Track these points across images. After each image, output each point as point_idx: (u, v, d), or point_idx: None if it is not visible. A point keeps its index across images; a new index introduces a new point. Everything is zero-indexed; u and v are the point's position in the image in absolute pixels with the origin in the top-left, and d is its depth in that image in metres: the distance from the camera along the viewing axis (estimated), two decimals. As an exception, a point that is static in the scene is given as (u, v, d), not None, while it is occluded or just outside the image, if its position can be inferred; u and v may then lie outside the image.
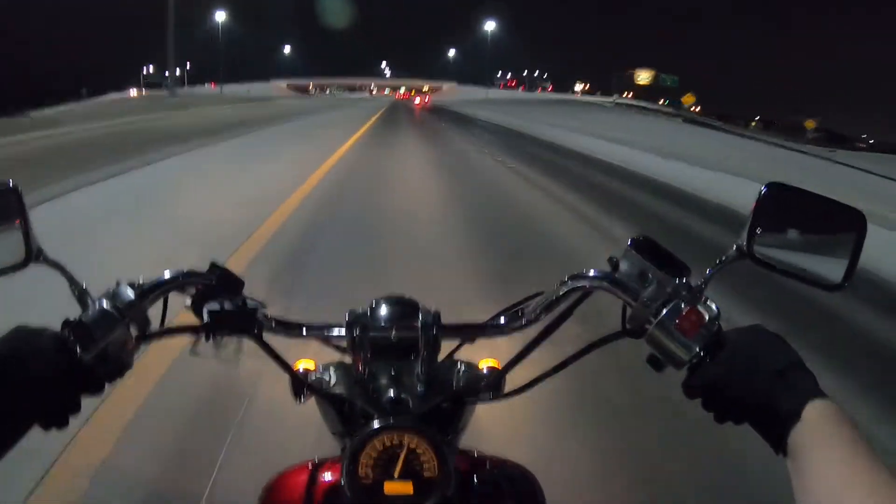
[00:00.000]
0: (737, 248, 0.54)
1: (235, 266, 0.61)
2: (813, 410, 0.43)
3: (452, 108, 37.54)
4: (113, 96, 37.44)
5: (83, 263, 0.76)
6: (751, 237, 0.53)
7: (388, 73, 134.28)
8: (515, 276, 3.46)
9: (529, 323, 0.61)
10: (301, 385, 0.60)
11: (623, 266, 0.55)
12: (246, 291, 0.59)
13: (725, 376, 0.48)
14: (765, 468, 1.61)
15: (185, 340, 0.57)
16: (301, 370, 0.62)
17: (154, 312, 0.56)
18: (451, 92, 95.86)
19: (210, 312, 0.56)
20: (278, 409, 1.85)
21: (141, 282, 0.55)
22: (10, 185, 0.55)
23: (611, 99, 76.49)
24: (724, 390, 0.48)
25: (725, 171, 8.71)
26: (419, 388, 0.58)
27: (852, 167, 13.34)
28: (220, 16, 60.24)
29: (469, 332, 0.63)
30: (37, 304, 1.23)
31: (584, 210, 6.00)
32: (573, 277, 0.58)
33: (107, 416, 1.84)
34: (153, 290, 0.55)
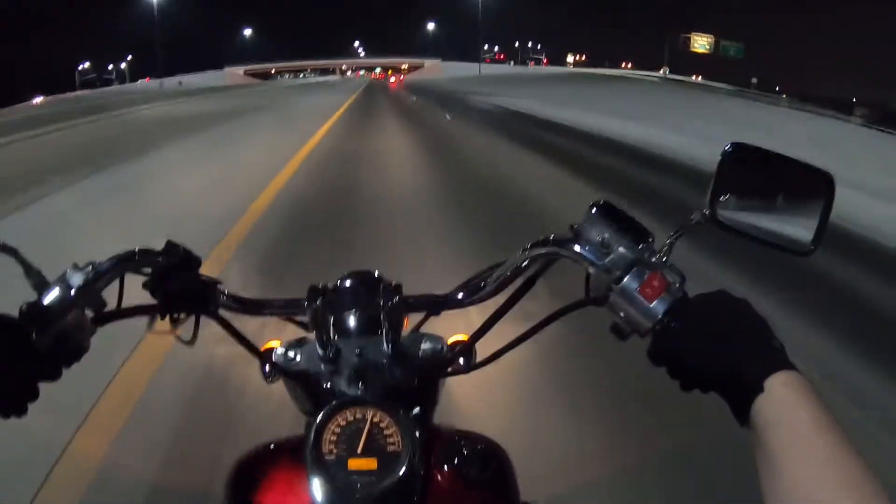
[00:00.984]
0: (700, 212, 0.58)
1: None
2: (777, 382, 0.46)
3: (440, 91, 30.57)
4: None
5: None
6: (714, 200, 0.57)
7: (361, 52, 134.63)
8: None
9: (493, 293, 0.67)
10: (268, 364, 0.67)
11: (585, 233, 0.60)
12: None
13: (690, 343, 0.51)
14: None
15: (144, 320, 0.64)
16: (266, 350, 0.68)
17: (111, 293, 0.61)
18: (434, 70, 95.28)
19: (165, 291, 0.62)
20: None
21: (96, 263, 0.60)
22: None
23: (659, 73, 65.69)
24: (688, 358, 0.51)
25: None
26: (383, 362, 0.64)
27: None
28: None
29: (432, 305, 0.69)
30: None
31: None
32: (534, 245, 0.63)
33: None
34: (108, 272, 0.60)
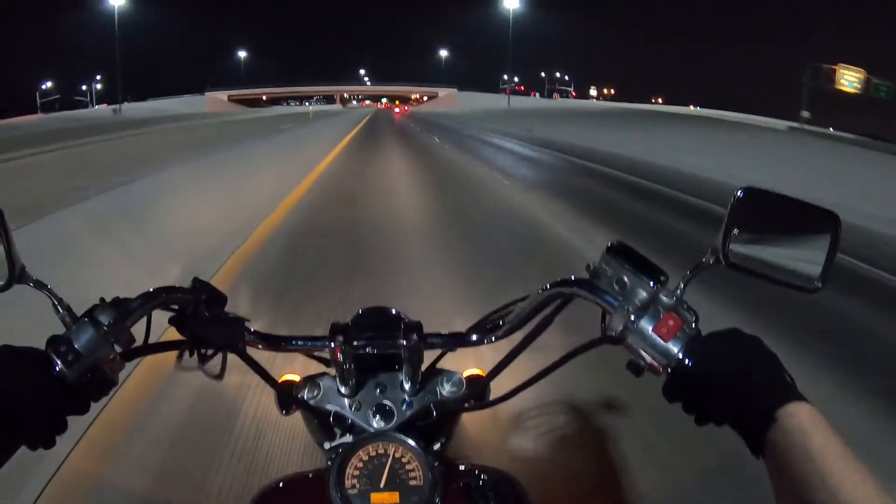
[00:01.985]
0: (712, 252, 0.69)
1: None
2: (789, 412, 0.57)
3: (467, 128, 28.62)
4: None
5: None
6: (725, 241, 0.69)
7: (367, 80, 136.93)
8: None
9: (510, 331, 0.77)
10: (286, 398, 0.77)
11: (601, 272, 0.71)
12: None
13: (704, 380, 0.62)
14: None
15: (172, 354, 0.73)
16: (285, 383, 0.79)
17: (138, 329, 0.71)
18: (449, 100, 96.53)
19: (193, 329, 0.73)
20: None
21: (123, 299, 0.71)
22: None
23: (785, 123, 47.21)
24: (703, 394, 0.62)
25: None
26: (403, 398, 0.76)
27: None
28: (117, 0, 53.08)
29: (451, 342, 0.80)
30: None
31: None
32: (551, 285, 0.74)
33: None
34: (136, 308, 0.71)
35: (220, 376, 0.75)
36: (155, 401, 2.64)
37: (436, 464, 0.72)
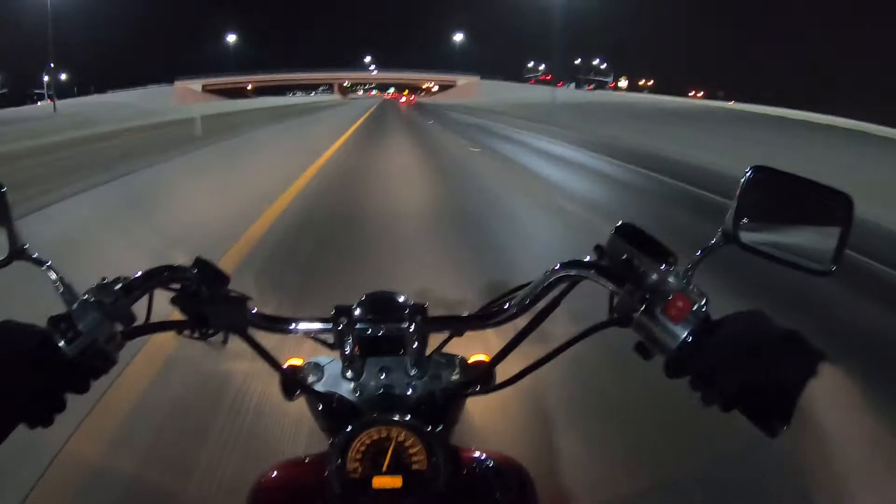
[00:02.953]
0: (722, 234, 0.77)
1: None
2: (817, 381, 0.62)
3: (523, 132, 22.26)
4: None
5: None
6: (736, 222, 0.76)
7: (373, 69, 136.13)
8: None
9: (517, 314, 0.86)
10: (290, 382, 0.86)
11: (609, 254, 0.79)
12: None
13: (716, 362, 0.67)
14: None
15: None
16: (289, 367, 0.88)
17: (139, 307, 0.80)
18: (469, 90, 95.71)
19: (195, 308, 0.82)
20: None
21: (125, 277, 0.80)
22: None
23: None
24: (715, 376, 0.67)
25: None
26: (408, 382, 0.85)
27: None
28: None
29: (456, 325, 0.89)
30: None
31: None
32: (558, 267, 0.82)
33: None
34: (138, 286, 0.79)
35: (223, 342, 0.83)
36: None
37: (440, 448, 0.79)
